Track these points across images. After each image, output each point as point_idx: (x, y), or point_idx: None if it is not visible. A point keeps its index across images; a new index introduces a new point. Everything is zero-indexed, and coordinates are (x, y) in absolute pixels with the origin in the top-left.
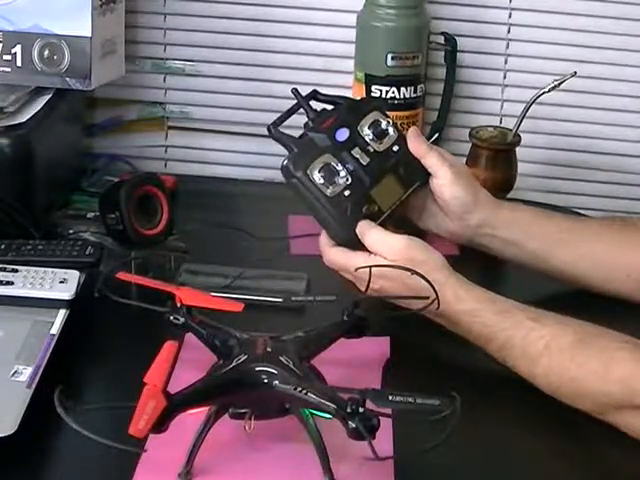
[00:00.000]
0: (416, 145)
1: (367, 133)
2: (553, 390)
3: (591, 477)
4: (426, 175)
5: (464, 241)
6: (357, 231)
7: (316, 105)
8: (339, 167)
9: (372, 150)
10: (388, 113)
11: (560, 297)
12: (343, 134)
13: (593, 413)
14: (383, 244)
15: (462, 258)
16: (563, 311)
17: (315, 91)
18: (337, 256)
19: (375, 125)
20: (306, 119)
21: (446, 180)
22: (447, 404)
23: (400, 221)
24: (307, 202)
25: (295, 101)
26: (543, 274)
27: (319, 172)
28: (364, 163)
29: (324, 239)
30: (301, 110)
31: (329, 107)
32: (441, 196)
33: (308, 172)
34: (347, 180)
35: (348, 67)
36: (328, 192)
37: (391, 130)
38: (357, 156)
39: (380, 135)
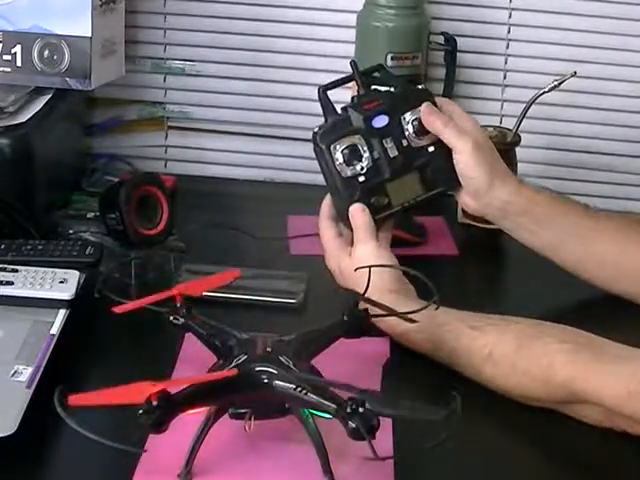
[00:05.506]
0: (430, 121)
1: (409, 126)
2: (502, 393)
3: (591, 475)
4: (455, 184)
5: (478, 214)
6: (350, 210)
7: None
8: (364, 151)
9: (405, 144)
10: None
11: (560, 297)
12: (381, 121)
13: (546, 407)
14: (364, 238)
15: (462, 258)
16: (563, 312)
17: (380, 65)
18: (324, 230)
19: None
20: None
21: (466, 155)
22: (444, 413)
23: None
24: (324, 173)
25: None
26: (549, 261)
27: (343, 151)
28: (391, 155)
29: (326, 206)
30: None
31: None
32: (460, 171)
33: (331, 147)
34: (367, 166)
35: (348, 67)
36: (343, 173)
37: None
38: (387, 146)
39: (421, 131)
